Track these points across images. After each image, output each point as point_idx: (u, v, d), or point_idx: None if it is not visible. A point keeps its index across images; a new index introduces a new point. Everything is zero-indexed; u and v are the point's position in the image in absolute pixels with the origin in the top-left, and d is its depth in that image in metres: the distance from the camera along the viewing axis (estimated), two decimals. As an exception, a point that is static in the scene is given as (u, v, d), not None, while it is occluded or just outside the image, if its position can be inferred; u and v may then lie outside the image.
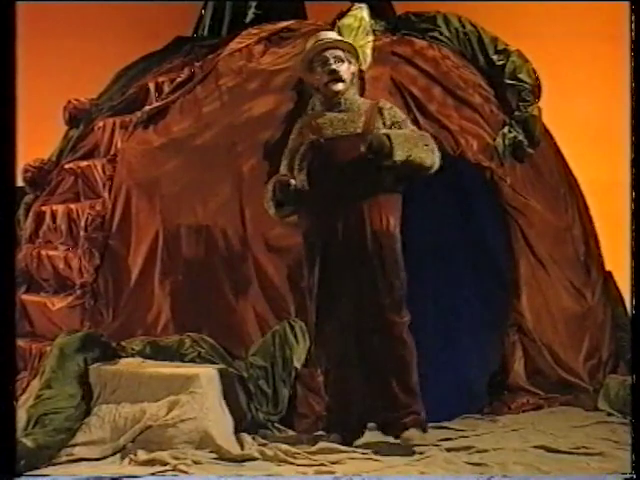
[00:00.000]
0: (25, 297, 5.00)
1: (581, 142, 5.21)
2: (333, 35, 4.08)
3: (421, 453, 3.85)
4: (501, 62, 5.07)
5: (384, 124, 3.91)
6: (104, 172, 4.75)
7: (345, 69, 3.93)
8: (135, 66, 5.49)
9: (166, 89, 4.96)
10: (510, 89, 5.05)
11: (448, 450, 3.95)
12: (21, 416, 3.87)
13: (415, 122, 4.67)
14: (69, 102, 5.38)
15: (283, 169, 4.00)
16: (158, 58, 5.48)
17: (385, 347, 3.85)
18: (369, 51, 4.73)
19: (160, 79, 5.11)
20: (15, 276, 3.13)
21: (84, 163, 4.98)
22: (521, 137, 4.96)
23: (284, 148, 4.35)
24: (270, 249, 4.30)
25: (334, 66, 3.90)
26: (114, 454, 3.73)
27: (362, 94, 4.54)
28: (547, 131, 5.21)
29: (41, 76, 6.48)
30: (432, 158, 3.89)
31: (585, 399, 4.79)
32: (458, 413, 4.58)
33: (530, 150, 5.01)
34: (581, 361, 4.95)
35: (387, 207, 3.87)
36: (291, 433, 4.15)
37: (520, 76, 5.04)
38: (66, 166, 5.12)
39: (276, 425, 4.16)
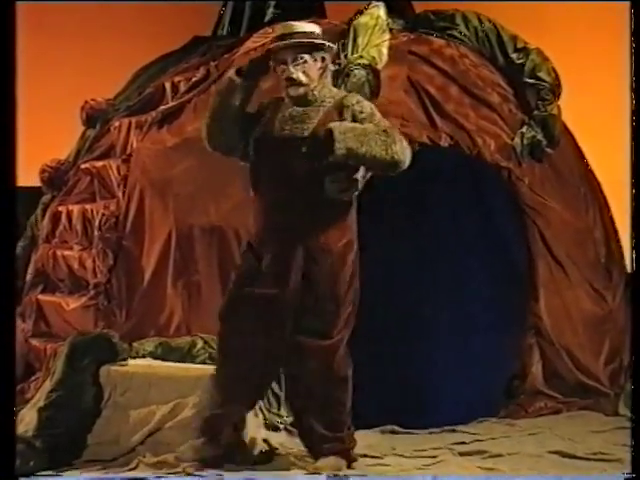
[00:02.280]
0: (41, 297, 5.00)
1: (581, 142, 5.11)
2: (305, 29, 3.59)
3: (434, 457, 3.80)
4: (520, 60, 4.99)
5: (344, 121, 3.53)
6: (119, 172, 4.74)
7: (307, 69, 3.53)
8: (152, 66, 5.48)
9: (182, 89, 4.94)
10: (529, 88, 4.97)
11: (461, 454, 3.91)
12: (32, 417, 3.87)
13: (431, 121, 4.65)
14: (86, 102, 5.37)
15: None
16: (175, 58, 5.46)
17: (308, 375, 3.52)
18: (385, 50, 4.69)
19: (176, 79, 5.08)
20: (15, 276, 3.08)
21: (100, 163, 4.96)
22: (540, 137, 4.89)
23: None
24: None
25: (292, 72, 3.52)
26: (123, 456, 3.70)
27: (378, 93, 4.52)
28: (567, 130, 5.12)
29: (61, 76, 6.53)
30: (391, 153, 3.43)
31: (605, 404, 4.71)
32: (474, 416, 4.52)
33: (549, 150, 4.94)
34: (601, 365, 4.87)
35: (329, 219, 3.51)
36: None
37: (540, 75, 4.96)
38: (82, 166, 5.11)
39: (288, 428, 4.10)
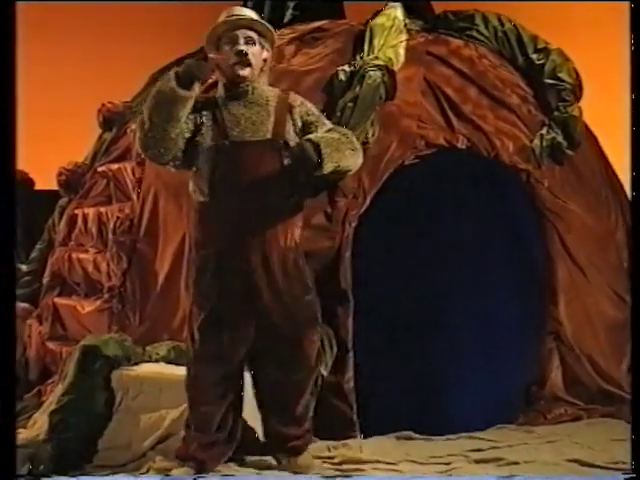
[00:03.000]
0: (57, 300, 5.02)
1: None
2: (248, 12, 3.57)
3: (448, 464, 3.75)
4: (541, 61, 4.93)
5: (294, 124, 3.51)
6: (134, 175, 4.74)
7: (256, 52, 3.48)
8: (170, 68, 5.46)
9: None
10: (550, 89, 4.91)
11: (476, 461, 3.85)
12: (45, 420, 3.87)
13: (448, 123, 4.60)
14: (103, 105, 5.39)
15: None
16: (193, 60, 5.45)
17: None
18: (402, 51, 4.65)
19: (192, 81, 5.06)
20: (15, 278, 3.09)
21: (115, 166, 4.97)
22: (560, 138, 4.82)
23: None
24: (297, 253, 4.21)
25: (243, 47, 3.44)
26: (134, 461, 3.69)
27: (394, 95, 4.48)
28: (590, 132, 5.05)
29: (80, 79, 6.56)
30: (357, 161, 3.55)
31: (628, 411, 4.61)
32: (492, 423, 4.45)
33: (570, 152, 4.86)
34: (623, 371, 4.77)
35: (294, 220, 3.52)
36: (318, 441, 4.07)
37: (560, 75, 4.90)
38: (99, 169, 5.12)
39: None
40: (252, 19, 3.54)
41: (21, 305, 5.31)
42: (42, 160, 5.99)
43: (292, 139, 3.51)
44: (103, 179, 5.06)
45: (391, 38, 4.64)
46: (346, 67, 4.49)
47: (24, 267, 5.58)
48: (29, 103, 6.64)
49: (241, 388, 3.59)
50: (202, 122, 3.47)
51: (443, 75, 4.70)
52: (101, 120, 5.38)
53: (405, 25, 4.77)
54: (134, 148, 5.00)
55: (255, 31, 3.52)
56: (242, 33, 3.49)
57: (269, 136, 3.45)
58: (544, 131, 4.82)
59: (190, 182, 3.57)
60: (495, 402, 4.67)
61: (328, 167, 3.42)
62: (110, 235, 4.63)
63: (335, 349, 4.15)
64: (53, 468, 3.55)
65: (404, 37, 4.70)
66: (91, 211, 4.93)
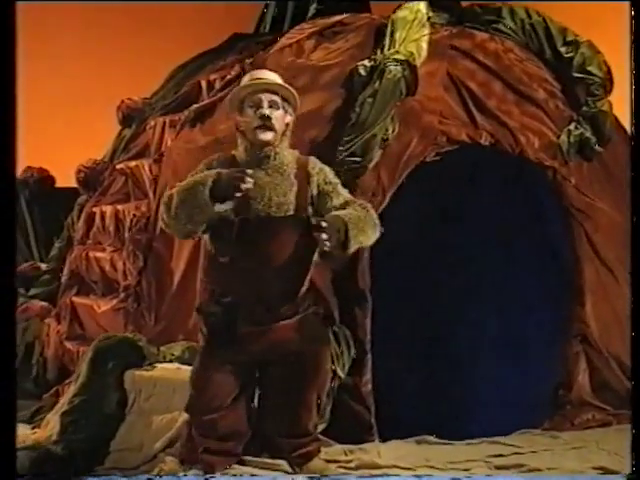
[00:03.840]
0: (75, 299, 5.03)
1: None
2: (272, 76, 3.57)
3: (467, 470, 3.69)
4: (569, 54, 4.84)
5: (311, 195, 3.46)
6: (151, 172, 4.73)
7: (279, 116, 3.46)
8: (189, 64, 5.47)
9: (217, 87, 4.90)
10: (578, 83, 4.82)
11: (497, 467, 3.79)
12: (57, 421, 3.87)
13: (472, 119, 4.54)
14: (122, 101, 5.40)
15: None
16: (213, 56, 5.45)
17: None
18: (425, 45, 4.59)
19: (212, 77, 5.06)
20: (15, 276, 3.10)
21: (133, 163, 4.97)
22: (589, 134, 4.73)
23: (331, 147, 4.28)
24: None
25: (266, 111, 3.42)
26: (145, 464, 3.67)
27: (415, 91, 4.42)
28: (620, 127, 4.94)
29: (103, 76, 6.59)
30: (376, 236, 3.50)
31: (659, 416, 4.50)
32: (516, 427, 4.39)
33: (599, 148, 4.77)
34: (655, 374, 4.66)
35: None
36: (334, 444, 4.03)
37: (589, 69, 4.81)
38: (118, 166, 5.12)
39: (318, 436, 4.02)
40: (277, 84, 3.54)
41: (40, 304, 5.35)
42: (63, 157, 6.03)
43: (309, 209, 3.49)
44: (121, 176, 5.06)
45: (413, 32, 4.58)
46: (366, 62, 4.44)
47: (43, 265, 5.63)
48: (47, 100, 6.75)
49: (252, 399, 3.57)
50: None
51: (467, 69, 4.63)
52: (120, 117, 5.39)
53: (429, 19, 4.70)
54: (153, 145, 5.01)
55: (279, 95, 3.51)
56: (266, 97, 3.48)
57: (292, 211, 3.41)
58: (572, 127, 4.74)
59: (206, 238, 3.52)
60: (519, 406, 4.60)
61: (351, 249, 3.40)
62: (126, 233, 4.63)
63: (352, 350, 4.11)
64: (63, 470, 3.53)
65: (427, 31, 4.63)
66: (109, 209, 4.93)
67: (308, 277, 3.51)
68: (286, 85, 3.56)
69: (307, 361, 3.45)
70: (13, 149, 2.95)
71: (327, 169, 3.57)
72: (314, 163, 3.56)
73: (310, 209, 3.48)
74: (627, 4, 3.37)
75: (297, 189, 3.46)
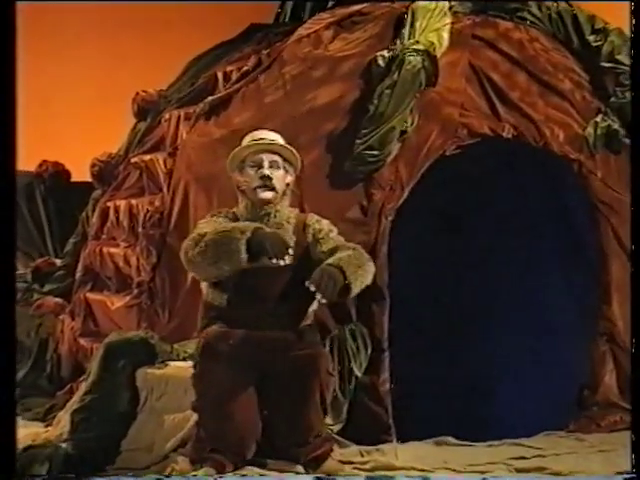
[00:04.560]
0: (89, 295, 5.05)
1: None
2: (273, 136, 3.68)
3: (484, 472, 3.66)
4: (598, 43, 4.80)
5: (307, 244, 3.56)
6: (165, 166, 4.74)
7: (280, 177, 3.58)
8: (206, 56, 5.47)
9: (234, 79, 4.90)
10: (607, 73, 4.77)
11: (518, 470, 3.76)
12: (67, 420, 3.89)
13: (494, 111, 4.51)
14: (137, 94, 5.41)
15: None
16: (230, 47, 5.44)
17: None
18: (446, 34, 4.57)
19: (229, 68, 5.05)
20: (15, 275, 3.12)
21: (148, 157, 4.97)
22: (616, 126, 4.67)
23: (348, 140, 4.27)
24: (331, 248, 4.16)
25: (267, 171, 3.55)
26: (156, 464, 3.68)
27: (435, 82, 4.40)
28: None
29: (120, 69, 6.63)
30: (373, 271, 3.54)
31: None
32: (540, 429, 4.35)
33: (627, 140, 4.70)
34: (685, 375, 4.60)
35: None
36: (351, 445, 4.02)
37: (619, 58, 4.76)
38: (132, 160, 5.13)
39: (334, 436, 4.02)
40: (278, 145, 3.63)
41: (54, 300, 5.39)
42: (79, 151, 6.06)
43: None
44: (136, 170, 5.07)
45: (434, 21, 4.55)
46: (385, 52, 4.42)
47: (58, 261, 5.66)
48: (63, 94, 6.79)
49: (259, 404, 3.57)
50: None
51: (490, 60, 4.60)
52: (135, 109, 5.40)
53: (450, 7, 4.68)
54: (168, 138, 5.01)
55: (280, 155, 3.60)
56: (267, 157, 3.59)
57: (288, 261, 3.41)
58: (599, 118, 4.68)
59: (205, 285, 3.64)
60: (543, 407, 4.56)
61: (356, 289, 3.43)
62: (140, 228, 4.64)
63: (369, 349, 4.11)
64: (73, 469, 3.55)
65: (448, 20, 4.60)
66: (123, 203, 4.94)
67: (308, 314, 3.60)
68: (287, 145, 3.65)
69: (306, 365, 3.45)
70: (13, 149, 2.98)
71: (324, 221, 3.65)
72: (312, 216, 3.66)
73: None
74: (627, 4, 3.40)
75: (295, 242, 3.52)
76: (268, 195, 3.56)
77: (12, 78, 2.99)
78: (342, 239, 3.62)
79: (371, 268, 3.52)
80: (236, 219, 3.60)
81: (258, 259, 3.34)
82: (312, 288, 3.29)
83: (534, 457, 3.96)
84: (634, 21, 3.34)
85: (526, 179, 4.59)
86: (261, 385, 3.51)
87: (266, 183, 3.55)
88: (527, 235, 4.70)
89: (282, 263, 3.33)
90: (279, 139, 3.69)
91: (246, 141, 3.68)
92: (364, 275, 3.45)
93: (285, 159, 3.63)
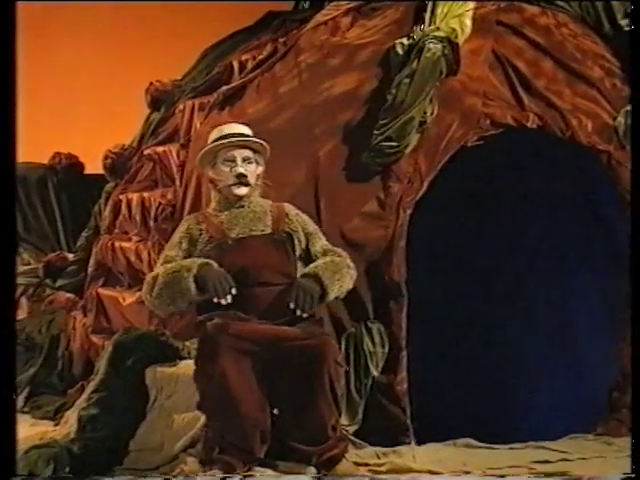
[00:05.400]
0: (101, 291, 5.08)
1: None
2: (243, 130, 3.76)
3: (502, 477, 3.63)
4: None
5: (293, 230, 3.67)
6: (178, 158, 4.75)
7: (253, 171, 3.68)
8: (222, 44, 5.47)
9: (249, 68, 4.89)
10: (640, 59, 4.68)
11: (539, 475, 3.71)
12: (75, 419, 3.90)
13: (518, 100, 4.46)
14: (151, 84, 5.42)
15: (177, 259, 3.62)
16: (246, 35, 5.44)
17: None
18: (468, 21, 4.52)
19: (244, 57, 5.06)
20: (15, 274, 3.15)
21: (161, 148, 4.99)
22: (649, 115, 4.59)
23: (365, 131, 4.25)
24: (346, 242, 4.13)
25: (241, 169, 3.64)
26: (165, 465, 3.69)
27: (456, 70, 4.37)
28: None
29: (134, 59, 6.66)
30: (353, 280, 3.67)
31: None
32: (566, 432, 4.32)
33: (660, 130, 4.63)
34: None
35: None
36: (367, 446, 4.00)
37: (653, 43, 4.67)
38: (145, 152, 5.15)
39: (350, 437, 4.01)
40: (249, 139, 3.72)
41: (66, 295, 5.42)
42: (93, 143, 6.08)
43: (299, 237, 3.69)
44: (149, 162, 5.09)
45: (456, 7, 4.51)
46: (404, 40, 4.39)
47: (70, 256, 5.69)
48: (77, 85, 6.83)
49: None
50: (200, 234, 3.64)
51: (515, 47, 4.56)
52: (149, 100, 5.42)
53: (474, -8, 4.64)
54: (182, 129, 5.03)
55: (251, 149, 3.70)
56: (239, 153, 3.68)
57: (269, 230, 3.63)
58: (630, 107, 4.61)
59: None
60: (570, 409, 4.54)
61: (333, 294, 3.57)
62: (151, 222, 4.65)
63: (387, 347, 4.09)
64: (78, 470, 3.56)
65: (471, 5, 4.56)
66: (135, 197, 4.96)
67: None
68: (257, 139, 3.73)
69: (311, 355, 3.42)
70: (13, 144, 3.01)
71: (304, 215, 3.77)
72: (289, 207, 3.77)
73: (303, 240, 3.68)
74: (627, 4, 3.37)
75: (271, 216, 3.68)
76: (243, 191, 3.66)
77: (13, 71, 3.02)
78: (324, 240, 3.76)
79: (351, 272, 3.66)
80: (208, 219, 3.67)
81: (205, 293, 3.48)
82: (291, 305, 3.46)
83: (559, 461, 3.92)
84: (634, 21, 3.36)
85: (551, 172, 4.53)
86: (266, 378, 3.49)
87: (241, 180, 3.65)
88: (553, 232, 4.64)
89: (224, 302, 3.44)
90: (247, 131, 3.76)
91: (214, 136, 3.74)
92: (342, 280, 3.59)
93: (255, 151, 3.71)
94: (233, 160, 3.66)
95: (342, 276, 3.58)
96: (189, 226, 3.68)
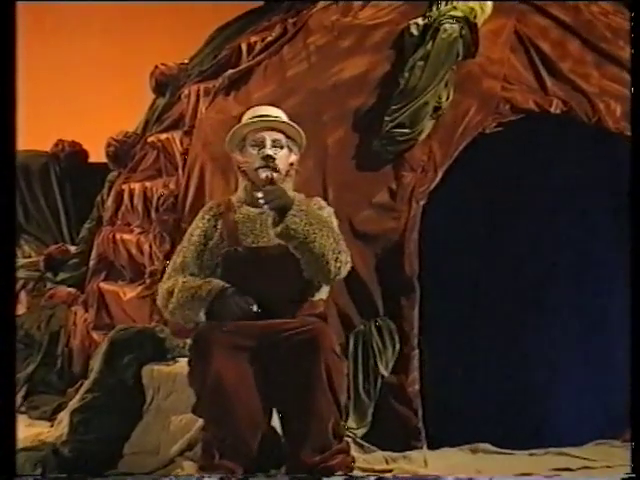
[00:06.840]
0: (103, 285, 5.09)
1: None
2: (276, 112, 3.64)
3: (515, 484, 3.62)
4: (669, 3, 4.64)
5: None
6: (181, 145, 4.75)
7: (283, 157, 3.55)
8: (230, 26, 5.45)
9: (256, 50, 4.88)
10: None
11: (556, 483, 3.68)
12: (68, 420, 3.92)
13: (541, 84, 4.43)
14: (156, 67, 5.42)
15: (191, 263, 3.58)
16: (256, 16, 5.41)
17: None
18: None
19: (253, 39, 5.04)
20: (15, 272, 3.17)
21: (165, 136, 4.99)
22: (685, 98, 4.52)
23: (376, 117, 4.23)
24: (356, 235, 4.13)
25: (270, 151, 3.52)
26: (161, 468, 3.70)
27: (474, 53, 4.34)
28: None
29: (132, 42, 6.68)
30: (337, 264, 3.46)
31: None
32: (591, 437, 4.27)
33: (695, 115, 4.56)
34: None
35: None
36: (376, 451, 3.99)
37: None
38: (149, 139, 5.15)
39: (358, 441, 4.01)
40: (282, 121, 3.60)
41: (67, 290, 5.44)
42: (97, 130, 6.10)
43: None
44: (153, 150, 5.09)
45: (475, -16, 4.47)
46: (419, 20, 4.36)
47: (72, 248, 5.71)
48: (81, 70, 6.86)
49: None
50: (215, 228, 3.59)
51: (538, 27, 4.53)
52: (154, 84, 5.41)
53: (496, -32, 4.59)
54: (187, 115, 5.02)
55: (283, 133, 3.58)
56: (270, 135, 3.56)
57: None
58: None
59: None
60: (596, 413, 4.48)
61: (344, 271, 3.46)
62: (153, 213, 4.66)
63: (397, 346, 4.08)
64: (69, 473, 3.58)
65: (492, -18, 4.52)
66: (137, 186, 4.97)
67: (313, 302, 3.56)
68: (291, 123, 3.61)
69: (303, 345, 3.35)
70: (13, 135, 3.04)
71: (330, 209, 3.63)
72: (318, 201, 3.64)
73: None
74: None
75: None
76: (270, 175, 3.51)
77: (13, 55, 3.06)
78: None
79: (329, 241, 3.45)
80: (231, 205, 3.60)
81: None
82: (259, 194, 3.36)
83: (580, 469, 3.89)
84: (634, 21, 3.36)
85: (576, 160, 4.46)
86: (264, 375, 3.45)
87: (269, 163, 3.52)
88: (577, 224, 4.58)
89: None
90: (282, 115, 3.65)
91: (246, 117, 3.64)
92: (316, 231, 3.39)
93: (289, 137, 3.59)
94: (262, 142, 3.54)
95: (320, 228, 3.39)
96: (208, 220, 3.59)
